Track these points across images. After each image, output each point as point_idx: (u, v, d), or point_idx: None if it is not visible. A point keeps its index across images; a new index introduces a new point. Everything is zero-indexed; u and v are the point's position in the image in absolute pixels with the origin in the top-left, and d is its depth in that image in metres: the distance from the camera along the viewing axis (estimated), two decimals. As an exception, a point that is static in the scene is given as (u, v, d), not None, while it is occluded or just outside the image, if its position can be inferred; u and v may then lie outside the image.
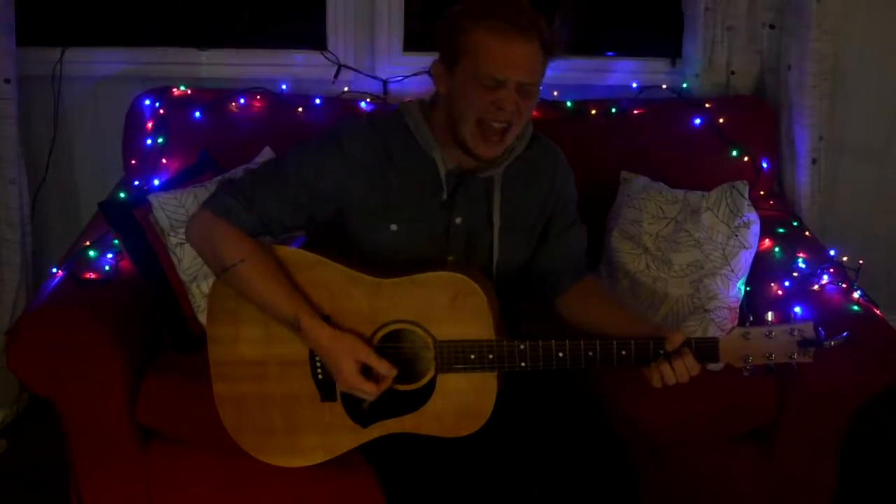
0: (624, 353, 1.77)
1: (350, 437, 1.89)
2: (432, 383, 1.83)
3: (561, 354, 1.78)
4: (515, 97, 1.79)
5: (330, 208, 1.90)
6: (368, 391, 1.80)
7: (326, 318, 1.82)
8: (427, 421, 1.85)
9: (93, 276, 2.20)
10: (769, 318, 1.76)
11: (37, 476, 2.51)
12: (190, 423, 2.10)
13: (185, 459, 2.17)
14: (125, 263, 2.27)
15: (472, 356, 1.79)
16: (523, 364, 1.79)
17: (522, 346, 1.79)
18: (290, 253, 1.86)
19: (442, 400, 1.83)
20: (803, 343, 1.75)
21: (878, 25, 2.83)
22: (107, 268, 2.24)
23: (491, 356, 1.79)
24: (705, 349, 1.77)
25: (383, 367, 1.80)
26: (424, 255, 1.90)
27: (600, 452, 1.83)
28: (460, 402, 1.83)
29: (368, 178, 1.88)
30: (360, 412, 1.87)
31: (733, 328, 1.78)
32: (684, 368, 1.76)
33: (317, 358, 1.86)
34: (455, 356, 1.80)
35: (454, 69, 1.81)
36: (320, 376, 1.87)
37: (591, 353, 1.78)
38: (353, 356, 1.80)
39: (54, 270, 2.22)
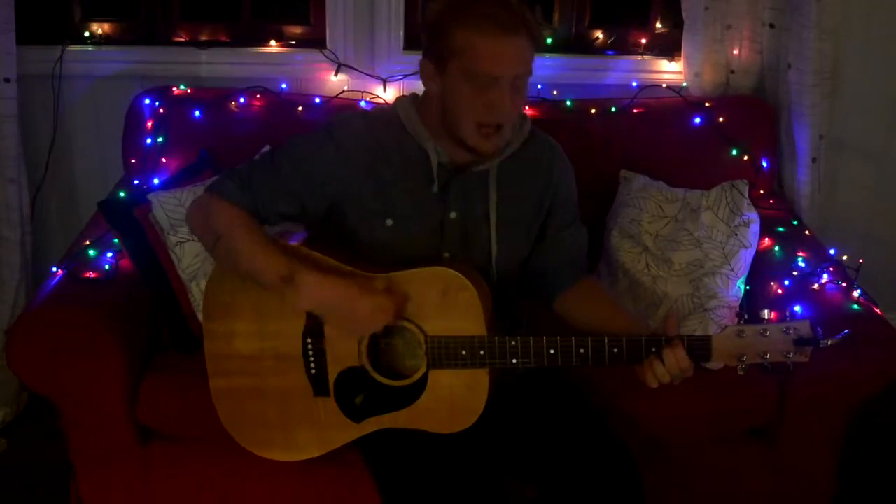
0: (616, 350, 1.76)
1: (343, 432, 1.89)
2: (424, 379, 1.83)
3: (552, 351, 1.77)
4: (510, 96, 1.79)
5: (323, 200, 1.91)
6: (391, 302, 1.75)
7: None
8: (420, 417, 1.84)
9: (93, 275, 2.21)
10: (764, 316, 1.74)
11: (37, 476, 2.51)
12: (190, 422, 2.10)
13: (185, 459, 2.17)
14: (125, 263, 2.27)
15: (463, 352, 1.79)
16: (514, 360, 1.78)
17: (514, 343, 1.78)
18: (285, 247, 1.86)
19: (434, 396, 1.83)
20: (799, 342, 1.71)
21: (878, 25, 2.83)
22: (107, 267, 2.24)
23: (482, 352, 1.79)
24: (698, 347, 1.74)
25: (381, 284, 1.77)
26: (421, 250, 1.90)
27: (604, 452, 1.83)
28: (453, 398, 1.83)
29: (361, 171, 1.89)
30: (352, 407, 1.87)
31: (727, 326, 1.76)
32: (675, 362, 1.72)
33: (310, 353, 1.86)
34: (446, 352, 1.80)
35: (444, 70, 1.81)
36: (313, 371, 1.87)
37: (582, 351, 1.77)
38: (354, 288, 1.76)
39: (54, 270, 2.22)
